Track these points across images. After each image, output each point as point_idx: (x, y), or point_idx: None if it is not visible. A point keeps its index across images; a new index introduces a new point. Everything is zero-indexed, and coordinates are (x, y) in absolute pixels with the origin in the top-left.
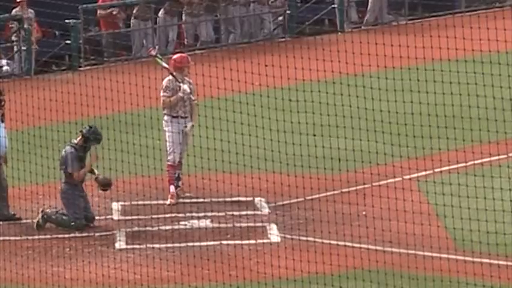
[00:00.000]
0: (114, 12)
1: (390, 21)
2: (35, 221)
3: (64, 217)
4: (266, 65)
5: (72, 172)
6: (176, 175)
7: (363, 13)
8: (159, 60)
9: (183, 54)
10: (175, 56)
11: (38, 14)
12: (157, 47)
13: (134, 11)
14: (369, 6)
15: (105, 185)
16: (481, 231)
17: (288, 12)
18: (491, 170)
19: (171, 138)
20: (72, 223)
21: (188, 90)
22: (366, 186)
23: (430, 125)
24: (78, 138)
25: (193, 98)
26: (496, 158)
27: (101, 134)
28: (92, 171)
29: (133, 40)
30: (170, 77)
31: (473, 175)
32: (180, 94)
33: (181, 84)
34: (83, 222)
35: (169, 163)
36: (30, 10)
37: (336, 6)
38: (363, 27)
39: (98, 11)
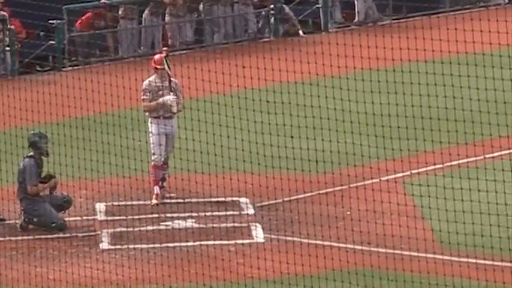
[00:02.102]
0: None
1: (377, 20)
2: (18, 223)
3: (46, 219)
4: (244, 67)
5: (30, 185)
6: (161, 176)
7: (347, 14)
8: (166, 62)
9: (156, 56)
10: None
11: (22, 14)
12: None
13: (120, 12)
14: (356, 8)
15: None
16: (459, 232)
17: (273, 12)
18: (468, 172)
19: (153, 139)
20: (53, 224)
21: (170, 102)
22: (349, 187)
23: (407, 127)
24: (31, 153)
25: (179, 98)
26: (473, 159)
27: (44, 134)
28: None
29: (120, 41)
30: (150, 78)
31: (451, 176)
32: (161, 100)
33: (164, 96)
34: (63, 221)
35: (152, 163)
36: (3, 13)
37: (320, 6)
38: (352, 27)
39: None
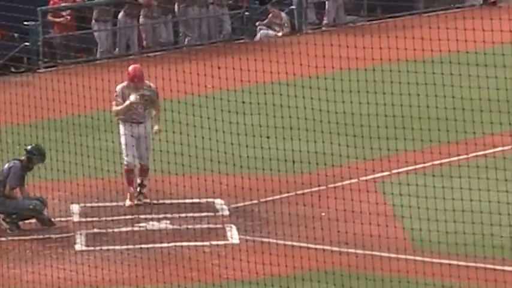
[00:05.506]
0: (68, 17)
1: (348, 23)
2: (7, 228)
3: (21, 207)
4: (219, 67)
5: (9, 186)
6: (139, 181)
7: (321, 14)
8: None
9: (136, 67)
10: (129, 68)
11: None
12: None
13: (94, 14)
14: (326, 8)
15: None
16: (440, 231)
17: (247, 13)
18: (450, 170)
19: (123, 141)
20: (30, 207)
21: (136, 101)
22: (323, 187)
23: (387, 126)
24: (23, 157)
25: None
26: (455, 158)
27: (45, 153)
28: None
29: (99, 42)
30: (124, 84)
31: (432, 175)
32: (127, 102)
33: (131, 95)
34: (38, 202)
35: (125, 167)
36: None
37: (294, 7)
38: (323, 29)
39: (48, 15)
